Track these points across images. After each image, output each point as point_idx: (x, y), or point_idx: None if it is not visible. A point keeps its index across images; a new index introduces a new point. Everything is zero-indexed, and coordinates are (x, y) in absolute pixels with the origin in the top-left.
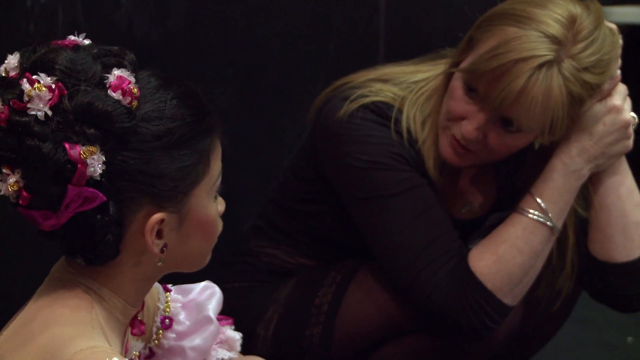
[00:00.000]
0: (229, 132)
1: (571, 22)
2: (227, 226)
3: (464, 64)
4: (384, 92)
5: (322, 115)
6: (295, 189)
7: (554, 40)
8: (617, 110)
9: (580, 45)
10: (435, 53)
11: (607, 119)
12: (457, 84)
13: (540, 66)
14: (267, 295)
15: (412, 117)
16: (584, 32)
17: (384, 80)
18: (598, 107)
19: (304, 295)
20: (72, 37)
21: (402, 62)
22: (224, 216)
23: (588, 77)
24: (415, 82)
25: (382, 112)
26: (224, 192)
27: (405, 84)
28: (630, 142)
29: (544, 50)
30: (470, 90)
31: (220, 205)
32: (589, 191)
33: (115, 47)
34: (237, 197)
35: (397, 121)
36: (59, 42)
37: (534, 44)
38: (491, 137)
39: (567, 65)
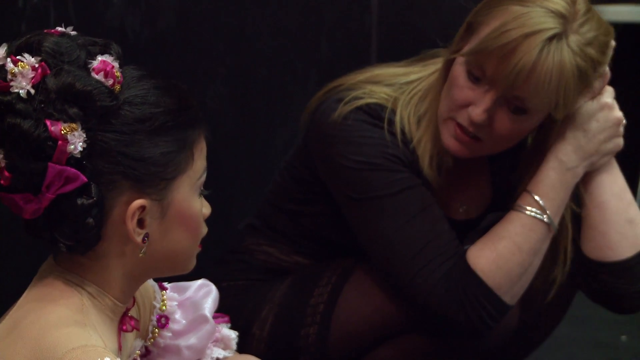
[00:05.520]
0: (222, 130)
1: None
2: (221, 224)
3: (466, 49)
4: (377, 94)
5: (315, 117)
6: (291, 190)
7: (559, 14)
8: (610, 107)
9: (582, 21)
10: (424, 54)
11: (600, 115)
12: (459, 70)
13: (550, 39)
14: (263, 295)
15: (407, 117)
16: (582, 10)
17: (376, 82)
18: (591, 105)
19: (299, 295)
20: (59, 28)
21: (392, 63)
22: (218, 214)
23: (591, 52)
24: (408, 83)
25: (376, 114)
26: (216, 189)
27: (397, 85)
28: (621, 141)
29: (551, 24)
30: (474, 74)
31: (206, 209)
32: (581, 190)
33: (101, 39)
34: (230, 195)
35: (391, 122)
36: (45, 30)
37: (541, 18)
38: (498, 121)
39: (573, 39)
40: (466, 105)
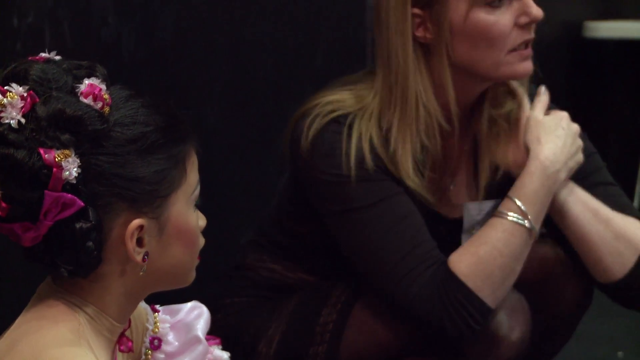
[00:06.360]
0: (219, 145)
1: None
2: (221, 240)
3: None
4: (345, 106)
5: (292, 140)
6: (289, 210)
7: None
8: (567, 117)
9: None
10: (359, 73)
11: (563, 123)
12: (479, 14)
13: None
14: (269, 312)
15: (373, 125)
16: None
17: (339, 100)
18: (551, 116)
19: (308, 313)
20: (43, 54)
21: (339, 86)
22: (217, 230)
23: None
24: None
25: (347, 124)
26: (214, 203)
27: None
28: (582, 155)
29: None
30: (492, 1)
31: (202, 221)
32: (560, 228)
33: (86, 62)
34: (227, 209)
35: (361, 131)
36: (29, 57)
37: None
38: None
39: None
40: (513, 26)
